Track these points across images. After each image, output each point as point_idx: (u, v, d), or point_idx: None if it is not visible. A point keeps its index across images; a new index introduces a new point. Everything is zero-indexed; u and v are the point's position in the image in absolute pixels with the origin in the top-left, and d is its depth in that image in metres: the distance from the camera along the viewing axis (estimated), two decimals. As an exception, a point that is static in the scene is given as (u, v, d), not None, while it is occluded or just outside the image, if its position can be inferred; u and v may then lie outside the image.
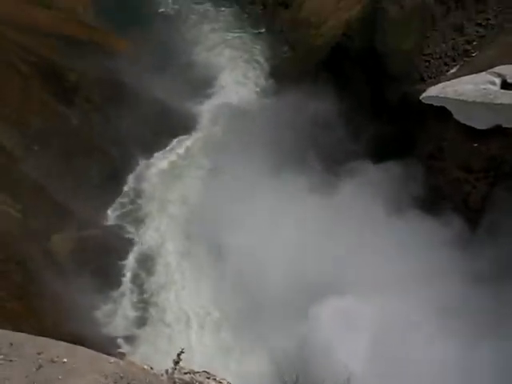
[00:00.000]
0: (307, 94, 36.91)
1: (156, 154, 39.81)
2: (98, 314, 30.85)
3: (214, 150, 39.95)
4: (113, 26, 46.53)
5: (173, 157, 40.05)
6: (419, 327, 25.97)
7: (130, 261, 33.86)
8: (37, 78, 36.52)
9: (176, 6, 53.73)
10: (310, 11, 46.35)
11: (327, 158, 35.42)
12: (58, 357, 9.62)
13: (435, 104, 31.85)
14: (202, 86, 45.13)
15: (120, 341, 30.13)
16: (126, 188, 37.41)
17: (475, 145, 30.19)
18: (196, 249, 34.59)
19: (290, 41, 47.60)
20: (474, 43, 34.02)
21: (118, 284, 32.67)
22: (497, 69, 30.85)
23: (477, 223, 29.24)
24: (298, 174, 33.93)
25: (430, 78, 34.28)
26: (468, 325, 25.17)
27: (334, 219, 31.03)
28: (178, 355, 10.85)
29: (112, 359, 10.20)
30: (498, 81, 30.45)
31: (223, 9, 53.73)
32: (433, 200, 31.05)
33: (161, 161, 39.58)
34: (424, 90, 32.80)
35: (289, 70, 44.63)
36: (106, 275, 32.22)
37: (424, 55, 35.14)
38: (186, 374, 11.36)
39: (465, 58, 33.93)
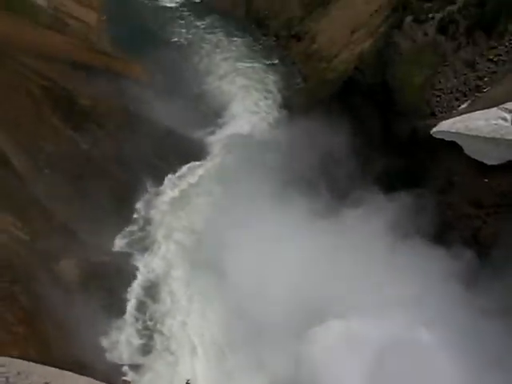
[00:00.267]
0: (319, 125, 37.15)
1: (166, 182, 39.97)
2: (104, 341, 30.59)
3: (224, 179, 40.08)
4: (126, 53, 47.25)
5: (183, 185, 40.20)
6: (423, 358, 25.78)
7: (136, 288, 33.76)
8: (49, 103, 36.90)
9: (189, 36, 54.66)
10: (323, 44, 47.01)
11: (337, 187, 35.61)
12: (64, 387, 9.55)
13: (446, 139, 32.01)
14: (214, 114, 45.53)
15: (125, 368, 29.85)
16: (135, 215, 37.47)
17: (486, 180, 30.16)
18: (202, 276, 34.48)
19: (303, 73, 48.16)
20: (486, 79, 34.20)
21: (124, 311, 32.48)
22: (508, 105, 30.98)
23: (486, 257, 29.04)
24: (306, 203, 34.06)
25: (441, 112, 34.42)
26: (474, 356, 24.92)
27: (341, 245, 31.04)
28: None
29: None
30: (509, 117, 30.56)
31: (235, 39, 54.56)
32: (442, 232, 30.93)
33: (171, 189, 39.73)
34: (435, 125, 32.99)
35: (301, 101, 45.03)
36: (111, 302, 32.03)
37: (435, 90, 35.35)
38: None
39: (476, 94, 34.09)
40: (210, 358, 31.04)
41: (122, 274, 34.07)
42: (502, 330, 25.31)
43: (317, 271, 30.34)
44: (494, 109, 31.26)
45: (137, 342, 31.47)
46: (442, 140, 32.21)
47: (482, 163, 30.30)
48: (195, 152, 41.97)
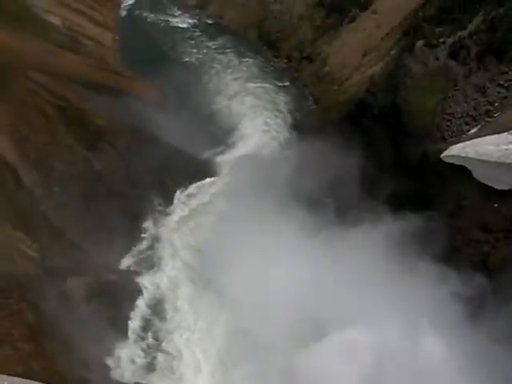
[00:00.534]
0: (329, 146, 37.28)
1: (176, 201, 40.14)
2: (109, 359, 30.53)
3: (233, 198, 40.14)
4: (138, 72, 47.68)
5: (193, 204, 40.36)
6: (425, 378, 25.70)
7: (142, 307, 33.79)
8: (63, 122, 37.30)
9: (200, 56, 55.15)
10: (334, 66, 47.27)
11: (346, 208, 35.64)
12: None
13: (456, 163, 31.97)
14: (224, 133, 45.75)
15: (129, 387, 29.81)
16: (144, 234, 37.54)
17: (495, 205, 30.06)
18: (206, 294, 34.58)
19: (314, 95, 48.40)
20: (496, 104, 34.23)
21: (129, 330, 32.42)
22: (518, 130, 30.97)
23: (495, 282, 28.83)
24: (314, 223, 34.25)
25: (451, 137, 34.46)
26: (480, 381, 24.82)
27: (348, 266, 31.04)
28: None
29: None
30: (519, 142, 30.51)
31: (247, 59, 54.92)
32: (451, 256, 30.79)
33: (181, 208, 39.88)
34: (445, 149, 33.00)
35: (312, 122, 45.17)
36: (117, 319, 32.03)
37: (446, 114, 35.42)
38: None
39: (486, 119, 34.11)
40: (214, 375, 31.10)
41: (129, 291, 34.09)
42: (509, 355, 25.12)
43: (326, 290, 30.37)
44: (504, 134, 31.25)
45: (141, 360, 31.45)
46: (452, 164, 32.22)
47: (491, 188, 30.23)
48: (205, 171, 42.16)
